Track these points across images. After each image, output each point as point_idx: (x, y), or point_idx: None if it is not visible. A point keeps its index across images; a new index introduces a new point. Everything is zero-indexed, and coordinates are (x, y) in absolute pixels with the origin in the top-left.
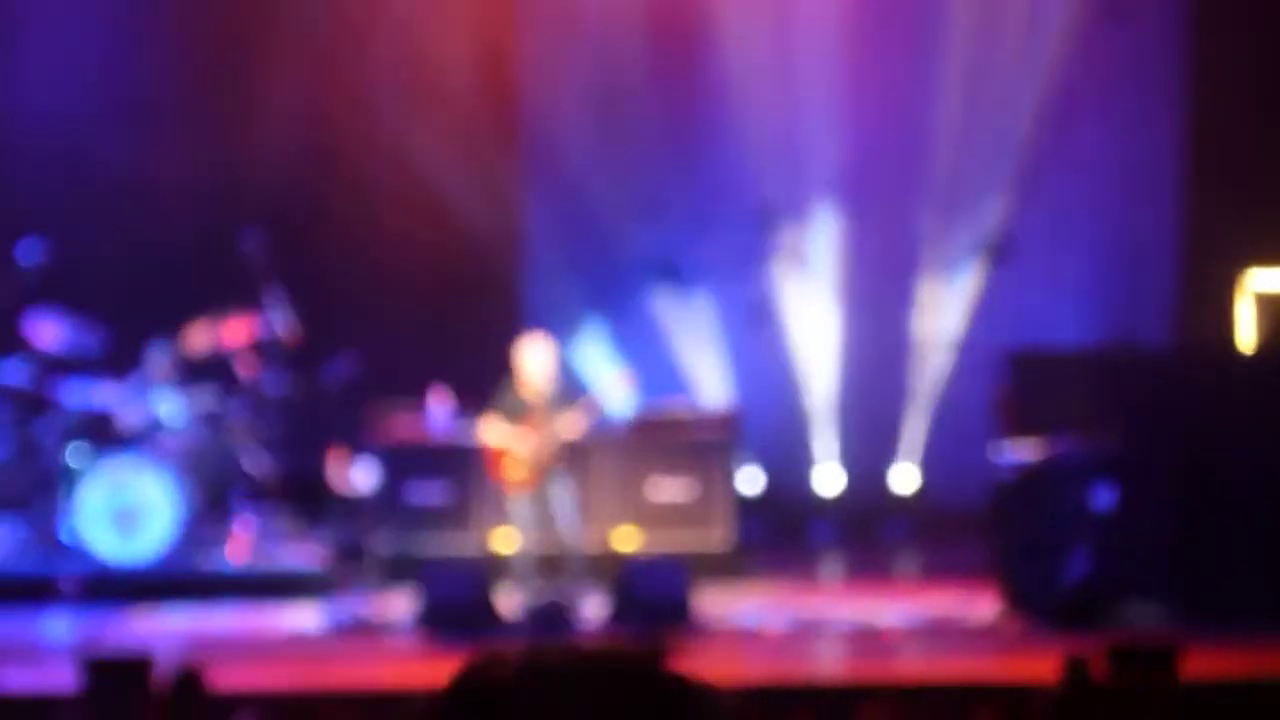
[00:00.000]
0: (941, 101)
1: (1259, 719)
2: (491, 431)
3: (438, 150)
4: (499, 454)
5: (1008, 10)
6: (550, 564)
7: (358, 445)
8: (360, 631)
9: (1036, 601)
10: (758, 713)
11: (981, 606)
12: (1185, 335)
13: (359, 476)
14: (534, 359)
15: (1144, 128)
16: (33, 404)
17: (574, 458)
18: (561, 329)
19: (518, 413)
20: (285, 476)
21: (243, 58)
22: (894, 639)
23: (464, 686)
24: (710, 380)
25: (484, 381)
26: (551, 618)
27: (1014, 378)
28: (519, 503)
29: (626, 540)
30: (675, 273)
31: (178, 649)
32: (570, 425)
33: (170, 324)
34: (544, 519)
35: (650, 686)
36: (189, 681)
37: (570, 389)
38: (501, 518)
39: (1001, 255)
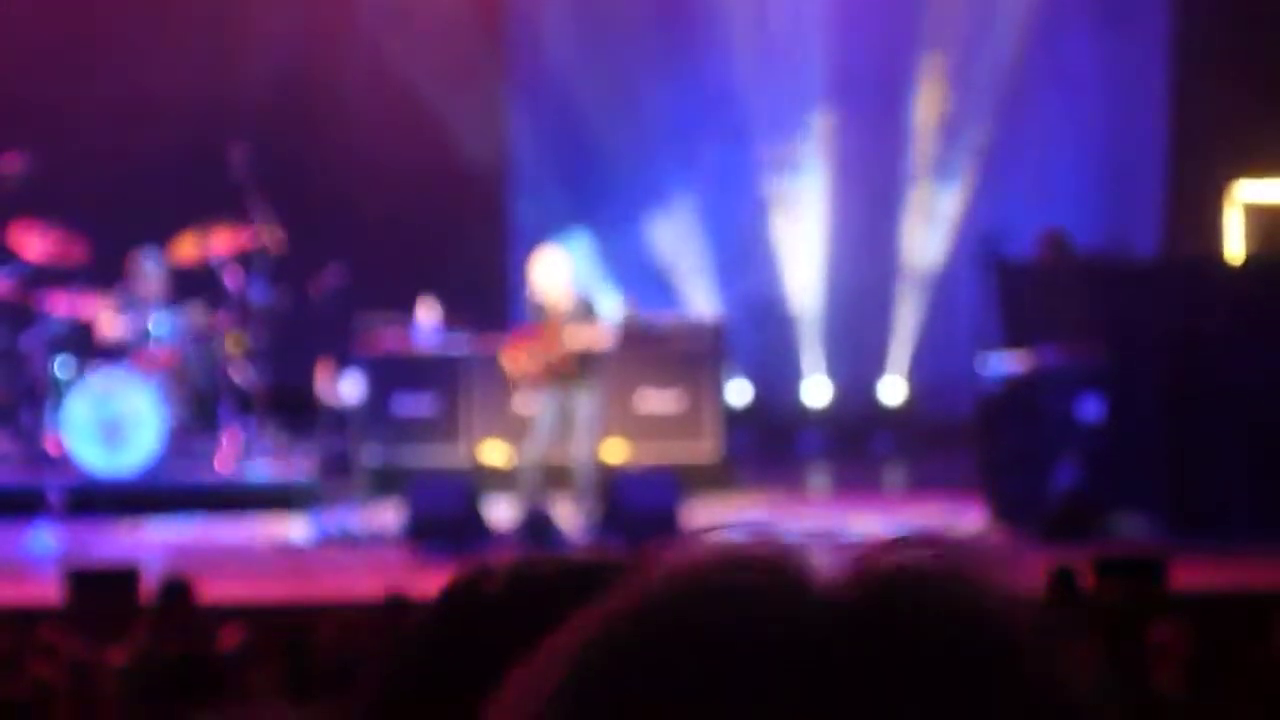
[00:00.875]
0: (930, 11)
1: (1248, 630)
2: (509, 353)
3: (423, 62)
4: (514, 349)
5: None
6: (554, 475)
7: (345, 357)
8: (347, 543)
9: (1023, 513)
10: None
11: (968, 518)
12: (1173, 245)
13: (346, 388)
14: (547, 271)
15: (1131, 39)
16: (18, 315)
17: (593, 370)
18: (549, 242)
19: (535, 321)
20: (272, 388)
21: None
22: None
23: (453, 597)
24: (698, 292)
25: (471, 293)
26: (538, 529)
27: (1000, 289)
28: (541, 407)
29: (615, 452)
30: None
31: (164, 561)
32: (588, 338)
33: (158, 236)
34: (561, 430)
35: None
36: (177, 591)
37: (590, 303)
38: (493, 428)
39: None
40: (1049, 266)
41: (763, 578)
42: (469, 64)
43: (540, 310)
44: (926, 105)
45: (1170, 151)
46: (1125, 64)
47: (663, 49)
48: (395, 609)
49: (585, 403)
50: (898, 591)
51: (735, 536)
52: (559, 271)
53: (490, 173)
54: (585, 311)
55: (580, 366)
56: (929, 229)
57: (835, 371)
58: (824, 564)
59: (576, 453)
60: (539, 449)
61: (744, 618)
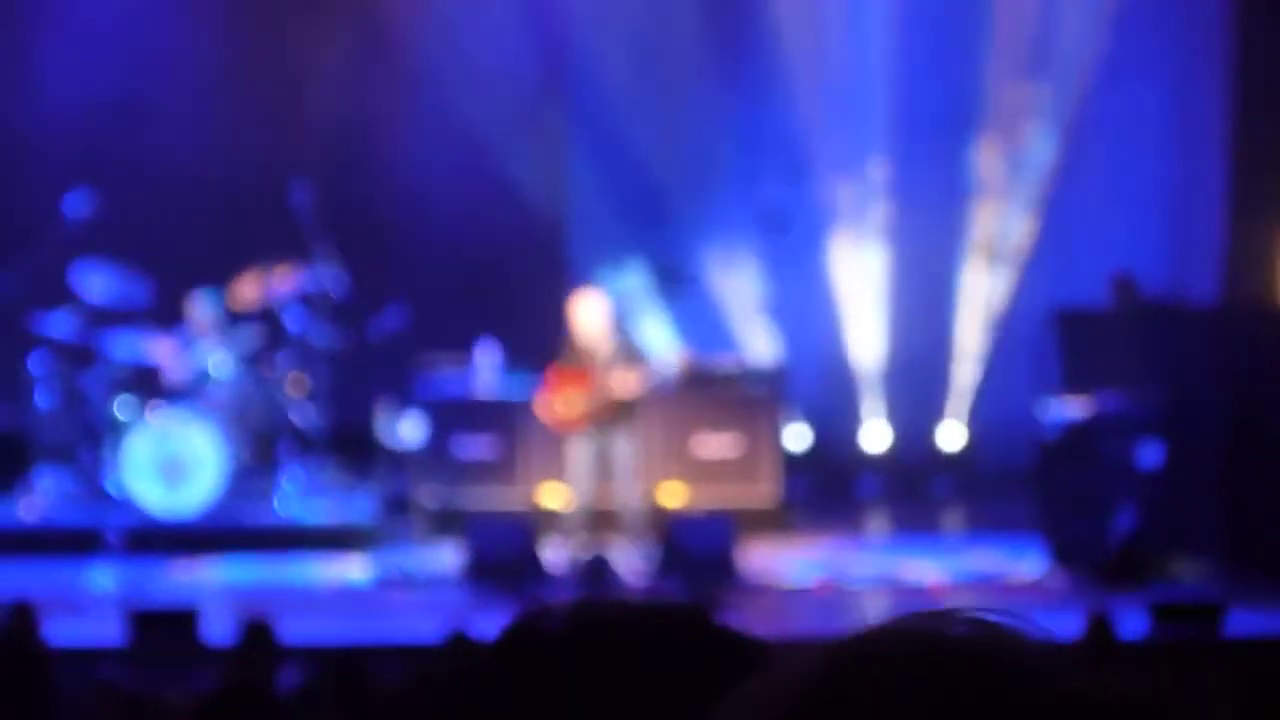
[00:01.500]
0: (992, 59)
1: None
2: (548, 379)
3: (485, 103)
4: (555, 393)
5: None
6: (602, 519)
7: (405, 398)
8: (406, 584)
9: (1082, 558)
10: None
11: (1027, 563)
12: (1233, 290)
13: (406, 429)
14: (585, 314)
15: (1192, 86)
16: (80, 356)
17: (630, 415)
18: (608, 284)
19: (576, 366)
20: (332, 429)
21: (292, 12)
22: (939, 595)
23: (513, 638)
24: (757, 336)
25: (530, 336)
26: (597, 572)
27: (1061, 335)
28: (580, 451)
29: (673, 496)
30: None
31: (225, 601)
32: (626, 383)
33: (218, 276)
34: (602, 471)
35: (698, 640)
36: (259, 631)
37: (630, 346)
38: (551, 471)
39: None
40: (1119, 310)
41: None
42: (529, 105)
43: (580, 353)
44: (989, 150)
45: (1230, 197)
46: (1186, 111)
47: (723, 89)
48: (456, 649)
49: (623, 446)
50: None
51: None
52: (598, 314)
53: (550, 214)
54: (626, 354)
55: (619, 412)
56: (991, 274)
57: (894, 415)
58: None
59: (622, 496)
60: (583, 494)
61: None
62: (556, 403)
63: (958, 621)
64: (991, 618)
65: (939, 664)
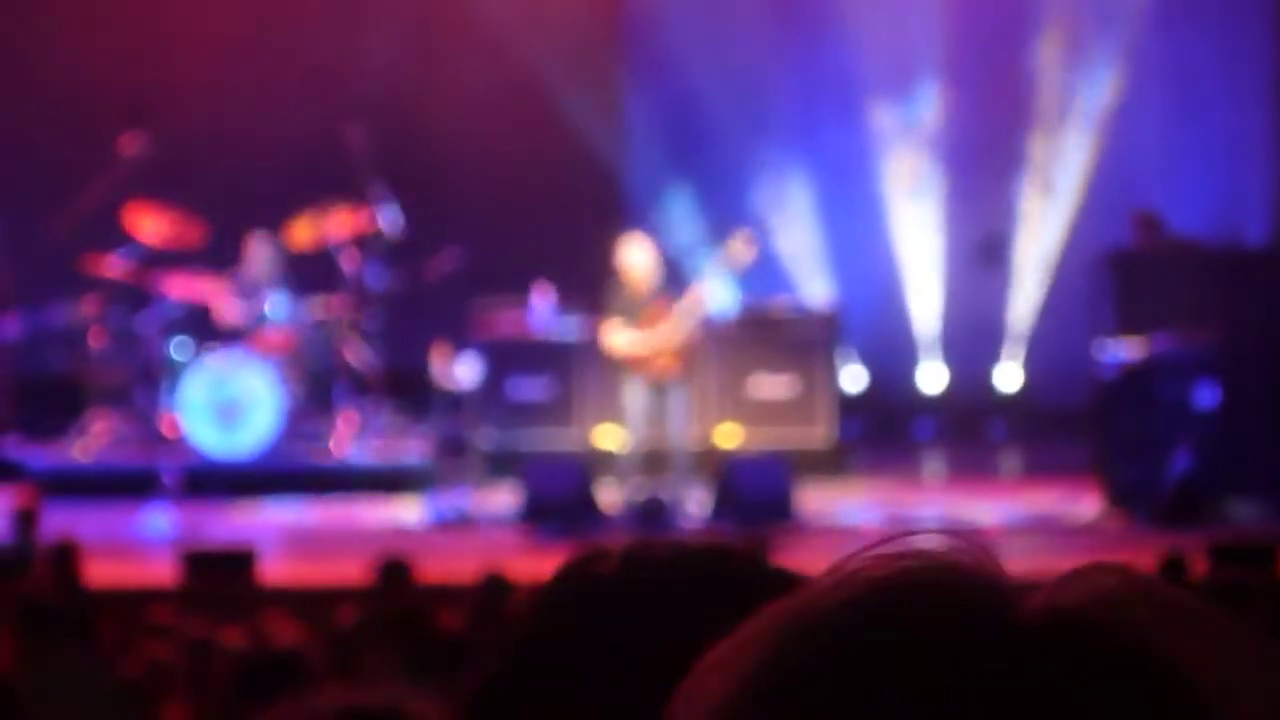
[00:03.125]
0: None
1: None
2: (615, 336)
3: (542, 46)
4: (619, 348)
5: None
6: (656, 460)
7: (460, 340)
8: (462, 526)
9: (1138, 499)
10: None
11: (1083, 505)
12: None
13: (462, 371)
14: (636, 257)
15: (1240, 30)
16: (135, 297)
17: (684, 358)
18: (664, 225)
19: (633, 312)
20: (388, 371)
21: None
22: (995, 537)
23: (568, 578)
24: (814, 278)
25: (586, 277)
26: (653, 513)
27: (1115, 277)
28: (634, 395)
29: (729, 437)
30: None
31: (280, 542)
32: (683, 323)
33: (275, 219)
34: (657, 414)
35: (755, 579)
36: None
37: (673, 287)
38: (606, 413)
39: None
40: (1145, 249)
41: (966, 602)
42: (587, 48)
43: (633, 302)
44: (1043, 90)
45: None
46: (1236, 55)
47: (779, 31)
48: (494, 589)
49: (678, 390)
50: (1093, 632)
51: (922, 543)
52: (647, 258)
53: (607, 157)
54: (673, 298)
55: (673, 355)
56: (1045, 214)
57: (951, 358)
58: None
59: (675, 439)
60: (638, 435)
61: (948, 643)
62: (614, 348)
63: (917, 570)
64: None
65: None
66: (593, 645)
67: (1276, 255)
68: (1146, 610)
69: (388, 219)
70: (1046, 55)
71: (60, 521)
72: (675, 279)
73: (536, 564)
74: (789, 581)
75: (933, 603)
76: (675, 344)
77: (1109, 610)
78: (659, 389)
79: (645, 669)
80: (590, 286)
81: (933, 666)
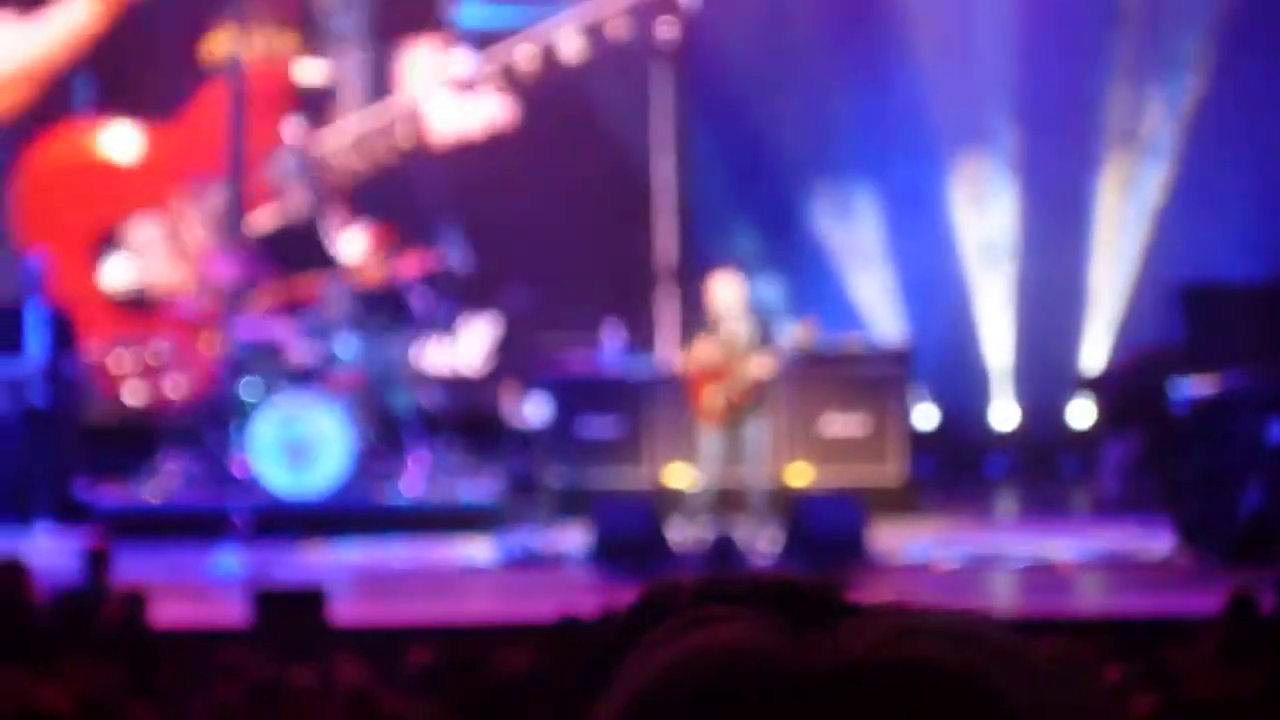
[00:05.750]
0: (1118, 37)
1: None
2: (690, 364)
3: (609, 83)
4: (697, 387)
5: None
6: (729, 499)
7: (530, 379)
8: (533, 565)
9: (1210, 536)
10: None
11: (1155, 541)
12: None
13: (531, 410)
14: (723, 294)
15: None
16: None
17: (764, 397)
18: (734, 265)
19: (713, 349)
20: (458, 410)
21: None
22: (1068, 574)
23: (641, 612)
24: (884, 314)
25: (655, 316)
26: (723, 552)
27: (1187, 312)
28: (710, 436)
29: (800, 476)
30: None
31: (351, 582)
32: (762, 364)
33: (328, 257)
34: (732, 454)
35: (827, 614)
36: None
37: (762, 327)
38: (676, 451)
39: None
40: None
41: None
42: (654, 83)
43: (715, 340)
44: (1113, 124)
45: None
46: None
47: (849, 65)
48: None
49: (756, 429)
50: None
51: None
52: (734, 296)
53: (675, 195)
54: (761, 336)
55: (755, 394)
56: (1117, 251)
57: (1023, 394)
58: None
59: (751, 478)
60: (713, 474)
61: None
62: (700, 397)
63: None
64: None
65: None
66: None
67: None
68: (931, 641)
69: (456, 257)
70: (1117, 88)
71: (131, 563)
72: (762, 322)
73: (607, 603)
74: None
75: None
76: (739, 388)
77: (896, 647)
78: (735, 427)
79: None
80: (659, 325)
81: None
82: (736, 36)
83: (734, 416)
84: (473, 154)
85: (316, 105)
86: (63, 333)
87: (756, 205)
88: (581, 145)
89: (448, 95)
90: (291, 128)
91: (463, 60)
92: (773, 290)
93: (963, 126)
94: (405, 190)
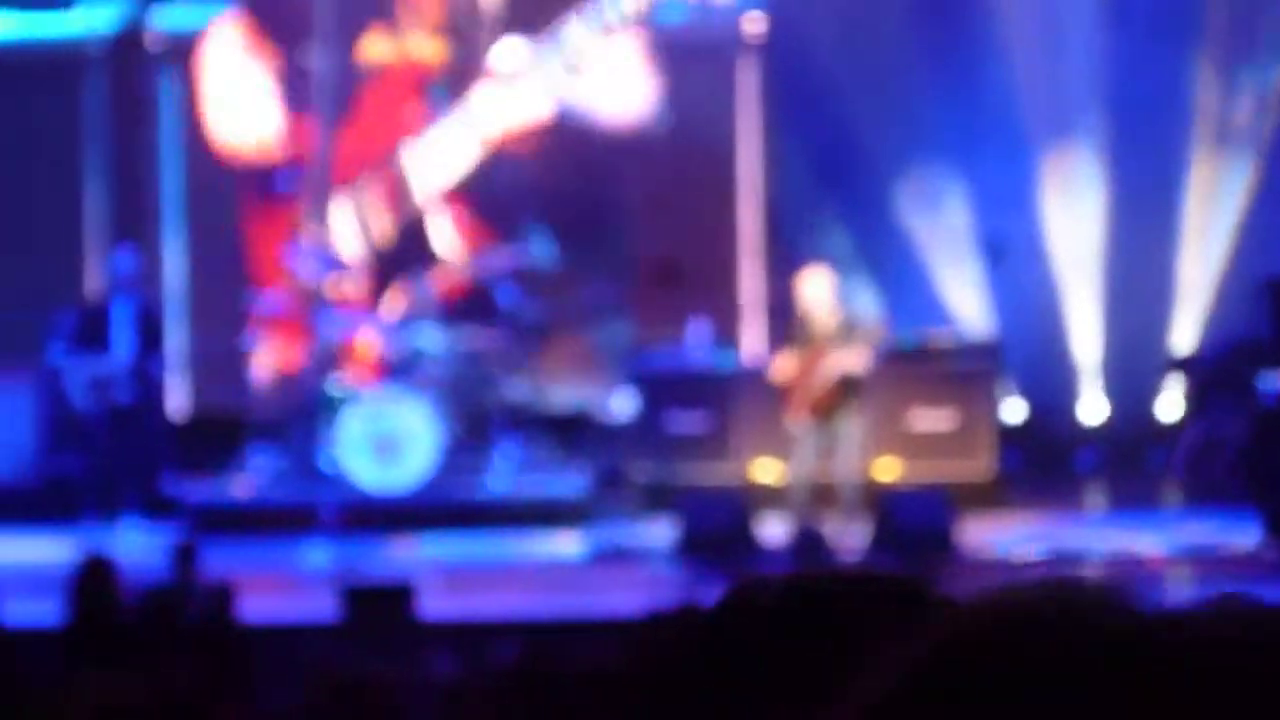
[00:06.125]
0: (1202, 28)
1: None
2: (783, 363)
3: (690, 76)
4: (790, 382)
5: None
6: (819, 494)
7: (617, 373)
8: (619, 560)
9: None
10: None
11: (1244, 534)
12: None
13: (618, 404)
14: (811, 291)
15: None
16: (291, 334)
17: (856, 392)
18: (821, 260)
19: (805, 345)
20: (544, 404)
21: None
22: (1156, 568)
23: (729, 610)
24: (972, 309)
25: (741, 311)
26: (810, 547)
27: (1276, 306)
28: (803, 431)
29: (888, 471)
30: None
31: (439, 577)
32: (854, 359)
33: (429, 254)
34: (825, 449)
35: (917, 611)
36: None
37: (853, 322)
38: (763, 446)
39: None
40: None
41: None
42: (739, 78)
43: (808, 335)
44: (1203, 116)
45: None
46: None
47: (936, 57)
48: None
49: (849, 423)
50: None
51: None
52: (823, 292)
53: (761, 190)
54: (850, 331)
55: (845, 390)
56: (1205, 244)
57: (1112, 388)
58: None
59: (842, 472)
60: (805, 469)
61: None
62: (790, 393)
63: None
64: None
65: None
66: (753, 677)
67: None
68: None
69: (543, 251)
70: (1205, 81)
71: (218, 558)
72: (854, 317)
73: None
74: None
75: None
76: (846, 377)
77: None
78: (828, 422)
79: (805, 697)
80: (746, 319)
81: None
82: (822, 30)
83: (826, 412)
84: (558, 149)
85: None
86: (149, 330)
87: (843, 199)
88: (666, 140)
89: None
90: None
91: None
92: (862, 290)
93: (1051, 119)
94: (489, 186)
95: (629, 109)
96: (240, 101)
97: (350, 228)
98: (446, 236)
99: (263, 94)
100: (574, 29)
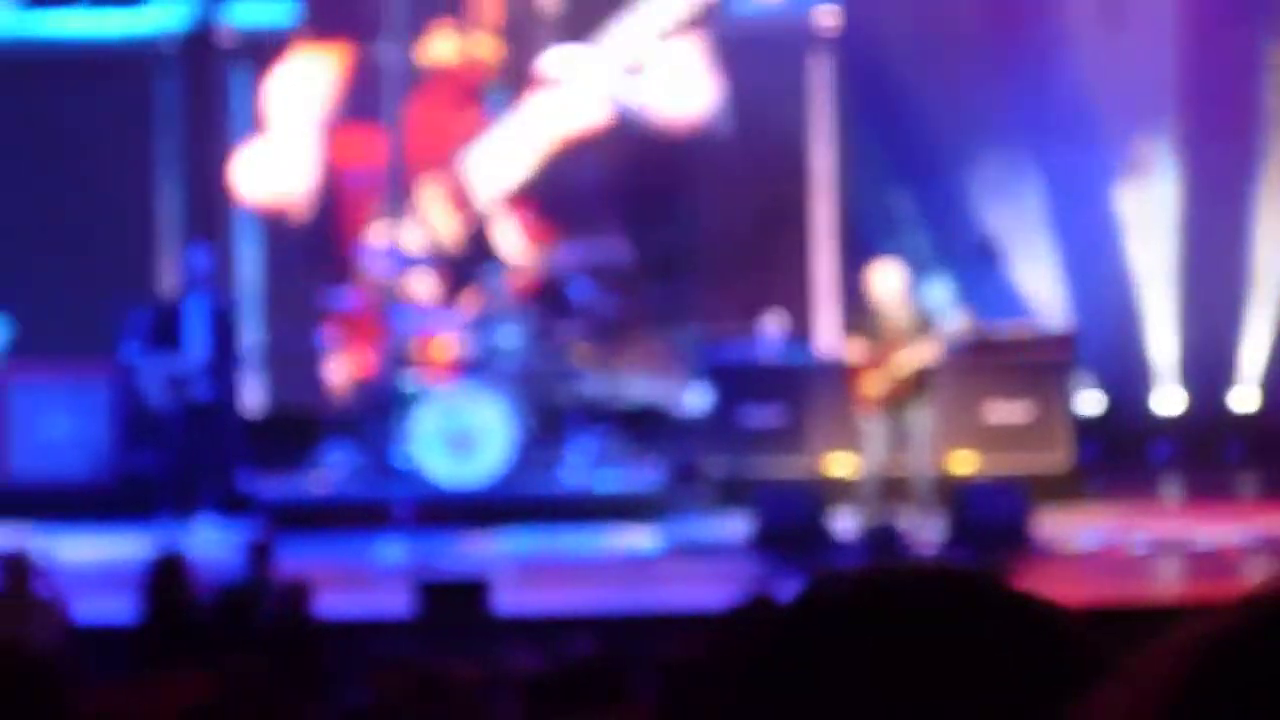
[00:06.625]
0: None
1: None
2: (852, 354)
3: (764, 73)
4: (858, 375)
5: None
6: (892, 487)
7: (691, 367)
8: (694, 554)
9: None
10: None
11: None
12: None
13: (693, 399)
14: (882, 283)
15: None
16: (365, 330)
17: (928, 385)
18: (894, 252)
19: (875, 337)
20: (619, 399)
21: None
22: (1233, 559)
23: (805, 604)
24: (1048, 300)
25: (815, 304)
26: (885, 541)
27: None
28: (872, 423)
29: (964, 464)
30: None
31: (513, 571)
32: (925, 352)
33: (500, 252)
34: (896, 442)
35: (993, 604)
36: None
37: (922, 315)
38: (839, 440)
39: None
40: None
41: None
42: (812, 72)
43: (878, 328)
44: (1276, 107)
45: None
46: None
47: (1010, 47)
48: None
49: (921, 417)
50: None
51: None
52: (894, 285)
53: (834, 182)
54: (922, 324)
55: (918, 383)
56: None
57: (1187, 380)
58: None
59: (914, 466)
60: (876, 462)
61: None
62: (861, 385)
63: None
64: None
65: None
66: (829, 672)
67: None
68: None
69: (617, 247)
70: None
71: (294, 554)
72: (924, 310)
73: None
74: (1028, 606)
75: None
76: (918, 370)
77: None
78: (897, 414)
79: (886, 694)
80: (819, 313)
81: None
82: (894, 22)
83: (895, 404)
84: (632, 146)
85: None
86: (224, 327)
87: (917, 192)
88: (739, 134)
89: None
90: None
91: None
92: (939, 283)
93: (1125, 108)
94: (565, 183)
95: (690, 110)
96: (276, 157)
97: (421, 227)
98: (513, 237)
99: (303, 148)
100: (631, 31)
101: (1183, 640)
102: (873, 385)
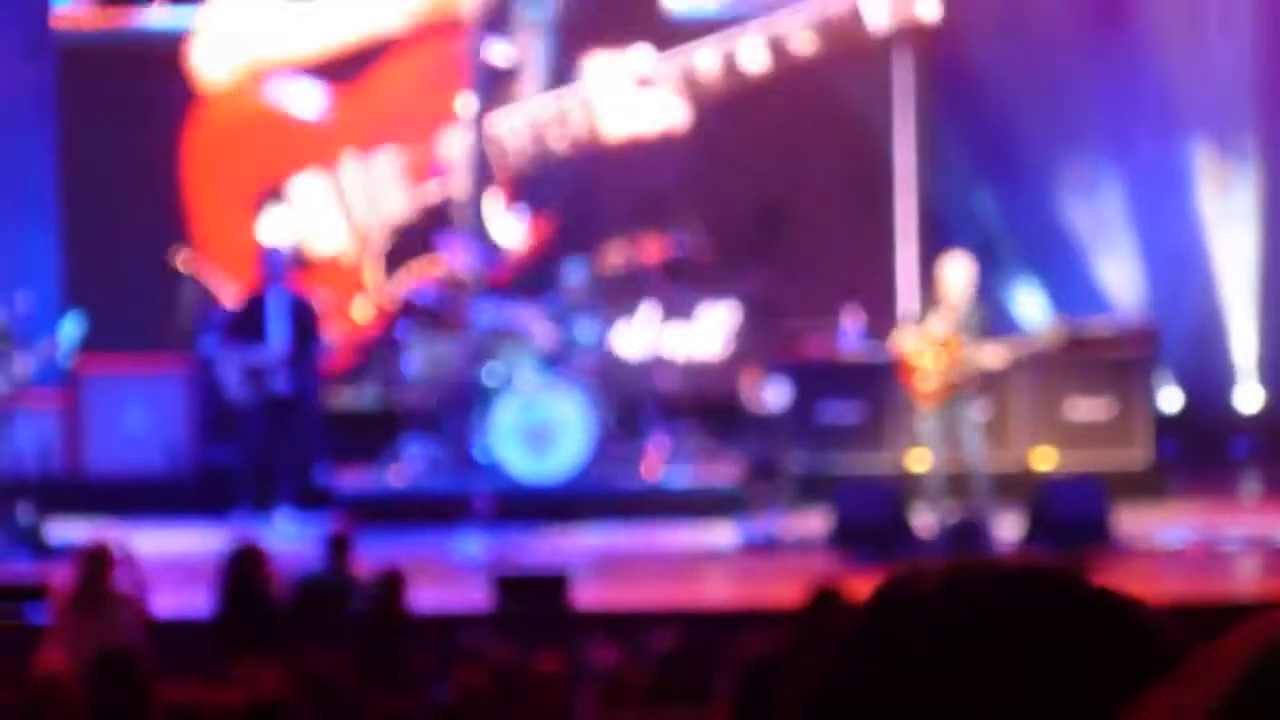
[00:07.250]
0: None
1: None
2: (906, 342)
3: (849, 68)
4: (909, 365)
5: None
6: (959, 483)
7: (770, 363)
8: (774, 550)
9: None
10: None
11: None
12: None
13: (771, 394)
14: (951, 276)
15: None
16: (447, 324)
17: (989, 384)
18: (975, 247)
19: (936, 328)
20: (698, 394)
21: None
22: None
23: (885, 598)
24: (1130, 297)
25: (896, 301)
26: (966, 536)
27: None
28: (926, 419)
29: (1044, 460)
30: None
31: (592, 566)
32: (993, 355)
33: (586, 244)
34: (950, 438)
35: (1076, 600)
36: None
37: (994, 317)
38: (914, 437)
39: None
40: None
41: None
42: (895, 69)
43: (940, 319)
44: None
45: None
46: None
47: (1093, 45)
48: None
49: (970, 414)
50: None
51: None
52: (961, 278)
53: (917, 179)
54: (981, 321)
55: (974, 381)
56: None
57: (1268, 377)
58: None
59: (971, 462)
60: (935, 457)
61: None
62: (914, 375)
63: None
64: None
65: None
66: (910, 667)
67: None
68: None
69: (695, 243)
70: None
71: (373, 548)
72: (995, 313)
73: (850, 588)
74: (1110, 602)
75: None
76: (957, 371)
77: None
78: (948, 409)
79: (967, 689)
80: (899, 309)
81: None
82: (978, 18)
83: (946, 399)
84: (709, 140)
85: (495, 85)
86: (304, 320)
87: (1000, 188)
88: (823, 131)
89: (628, 92)
90: (466, 104)
91: (644, 59)
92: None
93: (1207, 106)
94: (643, 178)
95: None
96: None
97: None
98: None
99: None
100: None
101: (1236, 640)
102: (924, 379)
